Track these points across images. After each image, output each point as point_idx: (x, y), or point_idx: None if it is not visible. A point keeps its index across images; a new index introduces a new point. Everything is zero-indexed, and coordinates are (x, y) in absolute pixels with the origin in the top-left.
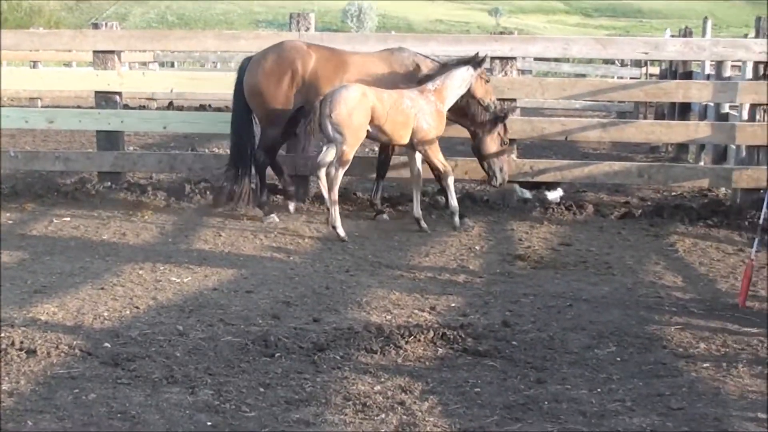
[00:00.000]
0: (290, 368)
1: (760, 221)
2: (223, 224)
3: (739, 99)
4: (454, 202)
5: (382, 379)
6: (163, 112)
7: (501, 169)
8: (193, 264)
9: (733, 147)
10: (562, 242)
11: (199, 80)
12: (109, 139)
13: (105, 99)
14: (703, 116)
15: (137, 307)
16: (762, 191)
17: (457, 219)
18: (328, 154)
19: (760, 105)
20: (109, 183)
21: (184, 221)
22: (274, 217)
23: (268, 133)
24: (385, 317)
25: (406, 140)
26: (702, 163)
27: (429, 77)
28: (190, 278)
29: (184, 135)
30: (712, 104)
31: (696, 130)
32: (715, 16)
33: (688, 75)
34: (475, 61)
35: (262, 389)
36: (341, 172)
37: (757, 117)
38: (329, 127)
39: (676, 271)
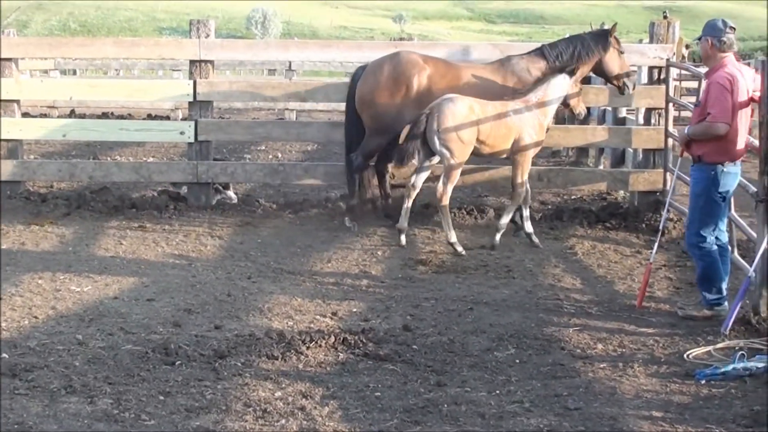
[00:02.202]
0: (191, 376)
1: (661, 225)
2: (125, 232)
3: (635, 103)
4: (505, 221)
5: (283, 385)
6: (63, 120)
7: None
8: (94, 273)
9: (630, 150)
10: (464, 246)
11: (99, 87)
12: (8, 148)
13: (3, 107)
14: (602, 120)
15: (36, 317)
16: (658, 194)
17: (498, 237)
18: (422, 177)
19: (655, 109)
20: (8, 192)
21: (84, 230)
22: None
23: (373, 141)
24: (287, 323)
25: (506, 153)
26: (601, 167)
27: (529, 87)
28: (91, 287)
29: (86, 143)
30: (610, 109)
31: (593, 134)
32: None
33: (586, 80)
34: (570, 69)
35: (162, 397)
36: (450, 188)
37: (653, 121)
38: (437, 143)
39: (575, 274)
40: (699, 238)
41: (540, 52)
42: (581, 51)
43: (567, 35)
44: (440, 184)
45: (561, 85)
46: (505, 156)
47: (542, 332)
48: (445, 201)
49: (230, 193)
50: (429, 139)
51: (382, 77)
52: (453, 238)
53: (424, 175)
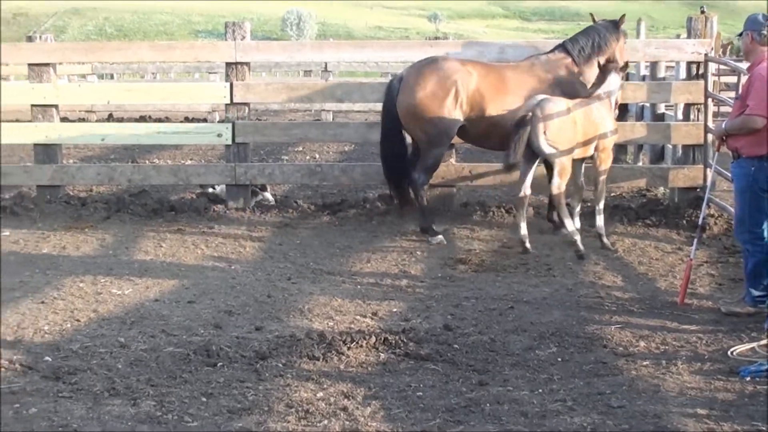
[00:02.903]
0: (232, 377)
1: (699, 221)
2: (164, 235)
3: (674, 99)
4: (600, 221)
5: (325, 386)
6: (102, 124)
7: None
8: (135, 275)
9: (670, 147)
10: (503, 245)
11: (136, 91)
12: (47, 153)
13: (42, 112)
14: (640, 117)
15: (78, 320)
16: (698, 189)
17: (605, 240)
18: (528, 181)
19: (694, 104)
20: (48, 196)
21: (124, 233)
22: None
23: (432, 153)
24: (328, 324)
25: (591, 151)
26: (640, 164)
27: (595, 83)
28: (132, 290)
29: (124, 147)
30: (648, 105)
31: (632, 130)
32: (651, 18)
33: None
34: (617, 67)
35: (204, 399)
36: (564, 184)
37: (692, 116)
38: (545, 144)
39: (615, 271)
40: (752, 235)
41: (563, 48)
42: (600, 42)
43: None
44: (555, 181)
45: (616, 80)
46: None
47: (584, 330)
48: (561, 194)
49: (267, 194)
50: (534, 142)
51: (428, 86)
52: (571, 227)
53: (530, 178)
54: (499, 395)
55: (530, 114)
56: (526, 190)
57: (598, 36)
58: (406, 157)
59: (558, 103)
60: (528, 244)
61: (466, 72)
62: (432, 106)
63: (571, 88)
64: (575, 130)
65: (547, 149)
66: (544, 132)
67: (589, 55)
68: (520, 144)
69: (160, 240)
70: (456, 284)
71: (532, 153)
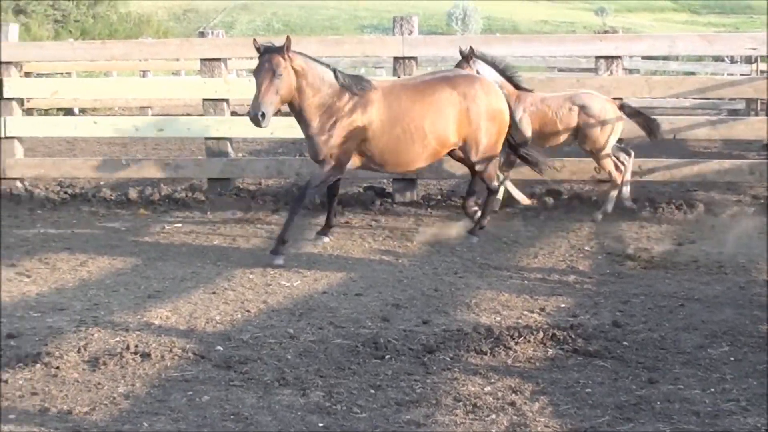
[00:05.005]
0: (400, 370)
1: None
2: (332, 228)
3: None
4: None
5: (492, 380)
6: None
7: None
8: (303, 268)
9: None
10: (673, 241)
11: None
12: (218, 146)
13: (213, 106)
14: None
15: (248, 311)
16: None
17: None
18: None
19: None
20: (219, 189)
21: (293, 225)
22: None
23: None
24: (495, 318)
25: None
26: None
27: None
28: (300, 282)
29: (292, 140)
30: None
31: None
32: None
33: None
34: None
35: (372, 391)
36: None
37: None
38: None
39: None
40: None
41: None
42: None
43: None
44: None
45: None
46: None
47: (757, 330)
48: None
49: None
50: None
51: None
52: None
53: None
54: (670, 393)
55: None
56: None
57: None
58: None
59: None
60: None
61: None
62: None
63: None
64: None
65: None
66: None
67: None
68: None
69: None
70: (624, 281)
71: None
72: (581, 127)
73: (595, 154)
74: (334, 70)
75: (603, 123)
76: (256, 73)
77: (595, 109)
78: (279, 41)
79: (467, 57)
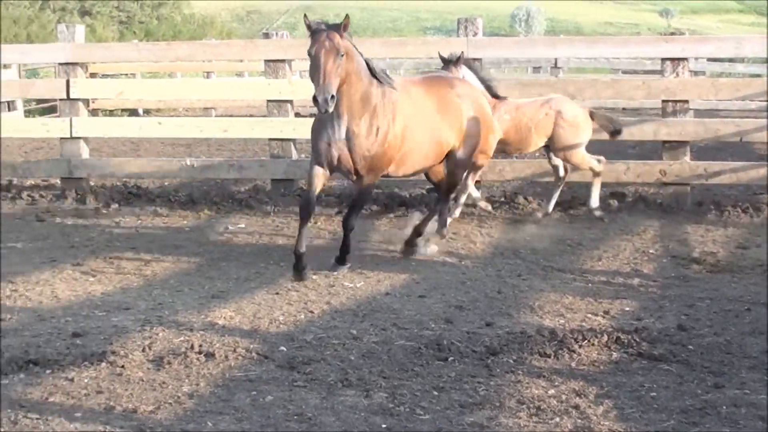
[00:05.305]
0: (463, 372)
1: None
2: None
3: None
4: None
5: (556, 383)
6: None
7: None
8: (366, 269)
9: None
10: (739, 245)
11: None
12: (282, 147)
13: (277, 107)
14: None
15: (312, 312)
16: None
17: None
18: None
19: None
20: (282, 190)
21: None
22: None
23: None
24: (558, 321)
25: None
26: None
27: None
28: (363, 283)
29: None
30: None
31: None
32: None
33: None
34: None
35: (435, 392)
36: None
37: None
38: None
39: None
40: None
41: None
42: None
43: None
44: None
45: None
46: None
47: None
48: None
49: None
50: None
51: None
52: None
53: None
54: (736, 398)
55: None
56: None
57: None
58: None
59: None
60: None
61: None
62: None
63: None
64: None
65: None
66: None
67: None
68: None
69: (392, 234)
70: (690, 284)
71: None
72: (556, 132)
73: (570, 157)
74: (367, 60)
75: (576, 126)
76: (318, 52)
77: (570, 113)
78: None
79: (455, 62)
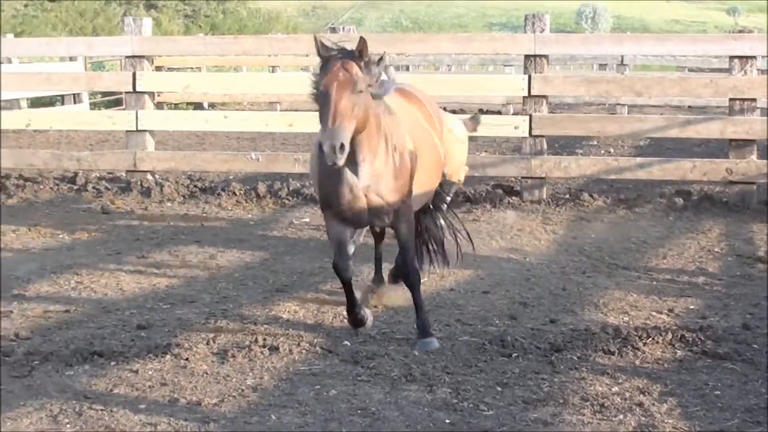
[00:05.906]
0: (527, 368)
1: None
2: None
3: None
4: None
5: (620, 381)
6: None
7: None
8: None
9: None
10: None
11: (434, 82)
12: None
13: None
14: None
15: (375, 307)
16: None
17: None
18: None
19: None
20: None
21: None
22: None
23: None
24: (623, 319)
25: None
26: None
27: None
28: (427, 279)
29: None
30: None
31: None
32: None
33: None
34: None
35: (499, 388)
36: None
37: None
38: None
39: None
40: None
41: None
42: None
43: None
44: None
45: None
46: None
47: None
48: None
49: None
50: None
51: None
52: None
53: None
54: None
55: None
56: None
57: None
58: None
59: None
60: None
61: None
62: None
63: None
64: None
65: None
66: None
67: None
68: None
69: (456, 231)
70: (755, 283)
71: None
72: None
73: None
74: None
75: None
76: (327, 84)
77: (460, 130)
78: (413, 38)
79: (377, 62)
